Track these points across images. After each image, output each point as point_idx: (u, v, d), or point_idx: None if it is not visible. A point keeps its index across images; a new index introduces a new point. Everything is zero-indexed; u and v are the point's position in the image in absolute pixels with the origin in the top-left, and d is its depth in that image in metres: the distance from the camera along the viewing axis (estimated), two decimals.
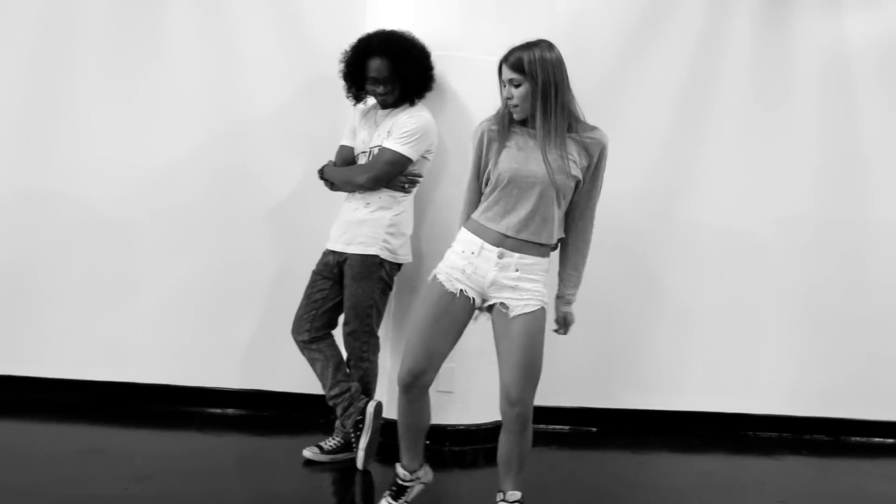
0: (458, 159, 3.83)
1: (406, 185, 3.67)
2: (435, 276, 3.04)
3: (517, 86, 2.92)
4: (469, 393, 3.99)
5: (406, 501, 3.17)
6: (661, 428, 4.42)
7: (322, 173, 3.74)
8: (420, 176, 3.71)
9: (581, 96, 4.16)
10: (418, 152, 3.62)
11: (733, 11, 4.37)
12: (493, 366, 3.98)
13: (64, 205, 4.20)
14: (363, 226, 3.63)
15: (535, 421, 4.20)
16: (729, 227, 4.41)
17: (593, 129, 3.02)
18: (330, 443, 3.74)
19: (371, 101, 3.78)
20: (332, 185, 3.70)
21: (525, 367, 3.02)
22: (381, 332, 3.75)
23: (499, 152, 2.95)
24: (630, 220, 4.33)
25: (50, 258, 4.22)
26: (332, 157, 3.79)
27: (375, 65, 3.58)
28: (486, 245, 2.95)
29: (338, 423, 3.74)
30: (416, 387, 3.06)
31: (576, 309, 4.27)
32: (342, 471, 3.65)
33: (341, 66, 3.67)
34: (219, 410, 4.24)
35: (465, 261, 2.98)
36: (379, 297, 3.66)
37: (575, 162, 2.95)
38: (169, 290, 4.25)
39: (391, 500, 3.14)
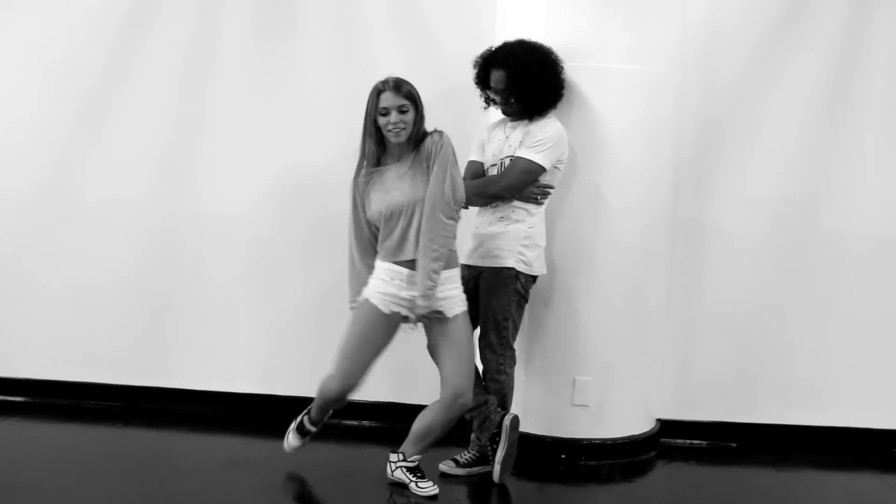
0: (587, 171, 3.81)
1: (538, 197, 3.65)
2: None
3: (403, 112, 3.32)
4: (605, 406, 3.93)
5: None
6: (804, 444, 4.22)
7: None
8: (552, 187, 3.68)
9: (716, 100, 4.12)
10: (551, 161, 3.60)
11: (874, 11, 4.16)
12: (630, 379, 3.97)
13: (207, 223, 4.34)
14: (498, 239, 3.62)
15: (673, 435, 4.15)
16: (876, 233, 4.19)
17: None
18: (466, 456, 3.74)
19: (500, 114, 3.79)
20: (465, 201, 3.70)
21: (467, 361, 3.41)
22: (515, 345, 3.72)
23: None
24: (770, 228, 4.19)
25: (193, 274, 4.37)
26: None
27: (496, 76, 3.63)
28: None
29: (473, 436, 3.74)
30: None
31: (713, 321, 4.21)
32: (478, 484, 3.64)
33: (475, 72, 3.73)
34: (355, 422, 4.29)
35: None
36: (515, 309, 3.64)
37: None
38: (307, 302, 4.33)
39: None
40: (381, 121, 3.32)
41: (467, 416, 3.64)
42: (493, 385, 3.67)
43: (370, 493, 3.47)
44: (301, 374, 4.28)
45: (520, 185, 3.59)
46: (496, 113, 3.80)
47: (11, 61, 4.30)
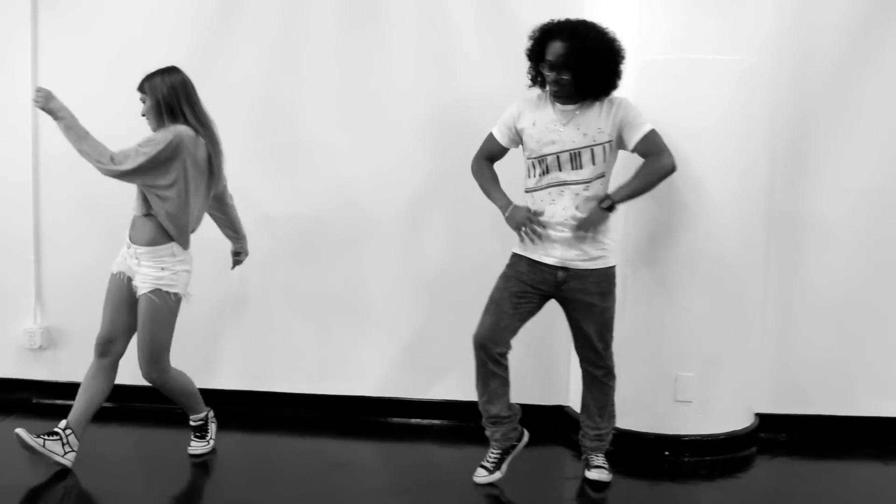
0: (686, 164, 3.68)
1: None
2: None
3: (143, 102, 3.52)
4: (707, 402, 3.88)
5: None
6: None
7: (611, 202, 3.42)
8: None
9: (810, 88, 4.05)
10: None
11: None
12: (731, 374, 3.92)
13: (296, 224, 4.32)
14: (602, 242, 3.48)
15: (772, 429, 4.02)
16: None
17: None
18: (492, 457, 3.61)
19: (531, 101, 3.52)
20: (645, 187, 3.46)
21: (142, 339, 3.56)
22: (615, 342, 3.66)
23: None
24: (868, 219, 4.11)
25: (283, 276, 4.36)
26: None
27: (553, 48, 3.34)
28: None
29: (499, 433, 3.61)
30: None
31: (811, 313, 4.14)
32: (593, 484, 3.62)
33: (527, 46, 3.47)
34: (447, 422, 4.28)
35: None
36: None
37: None
38: (399, 303, 4.32)
39: None
40: None
41: (494, 423, 3.57)
42: (608, 389, 3.61)
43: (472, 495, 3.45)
44: (391, 375, 4.33)
45: None
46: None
47: (98, 68, 4.30)
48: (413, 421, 4.31)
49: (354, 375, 4.37)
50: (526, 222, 3.43)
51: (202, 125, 3.54)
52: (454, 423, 4.25)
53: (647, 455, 3.88)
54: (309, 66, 4.27)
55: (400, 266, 4.32)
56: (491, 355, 3.44)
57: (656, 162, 3.44)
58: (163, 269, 3.53)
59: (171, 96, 3.49)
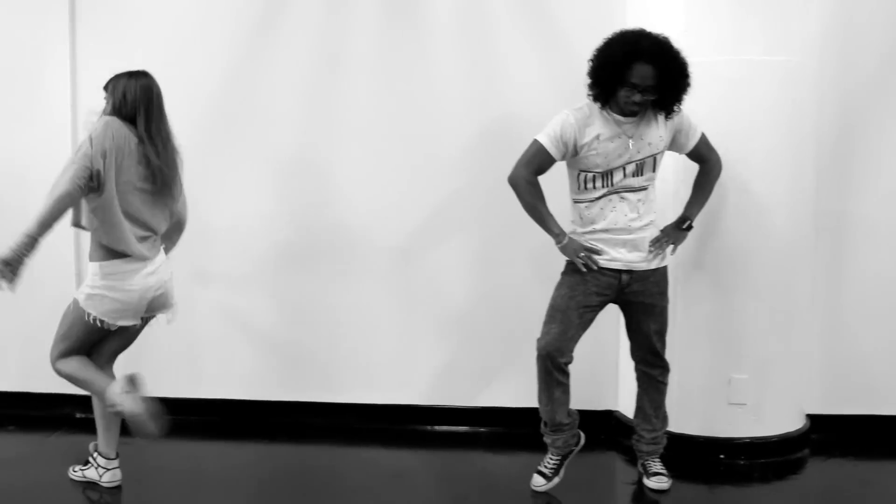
0: (735, 166, 3.72)
1: None
2: None
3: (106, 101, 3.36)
4: (762, 404, 3.87)
5: None
6: None
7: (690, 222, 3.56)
8: None
9: (855, 88, 4.05)
10: None
11: None
12: (783, 375, 3.91)
13: (341, 233, 4.30)
14: (648, 237, 3.49)
15: (822, 430, 4.05)
16: None
17: None
18: (551, 463, 3.60)
19: (586, 113, 3.41)
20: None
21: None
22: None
23: None
24: None
25: (328, 285, 4.33)
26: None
27: (642, 71, 3.25)
28: None
29: (560, 443, 3.60)
30: None
31: (859, 312, 4.12)
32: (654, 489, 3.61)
33: (597, 63, 3.33)
34: (497, 429, 4.26)
35: None
36: None
37: None
38: (445, 311, 4.31)
39: None
40: None
41: (556, 431, 3.56)
42: (663, 387, 3.62)
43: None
44: (439, 383, 4.30)
45: None
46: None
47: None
48: (460, 429, 4.29)
49: (400, 384, 4.35)
50: (583, 251, 3.43)
51: (150, 138, 3.31)
52: (504, 429, 4.23)
53: (700, 459, 3.86)
54: (349, 69, 4.24)
55: (444, 275, 4.30)
56: (557, 365, 3.43)
57: (714, 167, 3.54)
58: (87, 284, 3.36)
59: (132, 102, 3.31)
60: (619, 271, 3.45)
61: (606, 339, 4.14)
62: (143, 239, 3.35)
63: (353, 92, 4.25)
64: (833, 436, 4.12)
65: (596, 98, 3.38)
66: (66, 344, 3.39)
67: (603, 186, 3.41)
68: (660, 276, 3.51)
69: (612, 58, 3.30)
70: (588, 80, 3.36)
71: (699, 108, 3.68)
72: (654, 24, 3.76)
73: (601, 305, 3.51)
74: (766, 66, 3.76)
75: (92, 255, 3.34)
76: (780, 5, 3.76)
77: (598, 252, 3.42)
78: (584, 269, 3.41)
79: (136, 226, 3.32)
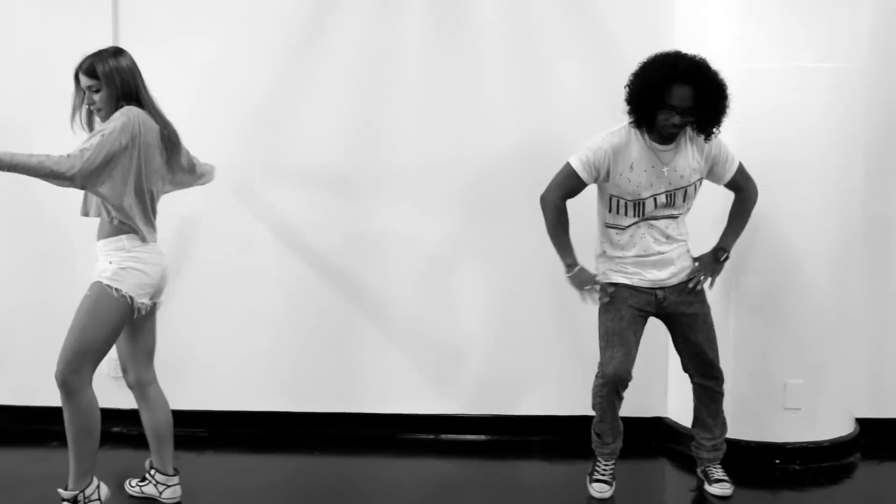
0: (789, 172, 3.78)
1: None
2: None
3: (96, 91, 3.17)
4: (816, 409, 3.89)
5: None
6: None
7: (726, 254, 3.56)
8: None
9: None
10: None
11: None
12: (836, 380, 3.92)
13: (390, 242, 4.27)
14: (683, 256, 3.54)
15: (870, 434, 4.06)
16: None
17: None
18: (608, 468, 3.63)
19: (621, 139, 3.40)
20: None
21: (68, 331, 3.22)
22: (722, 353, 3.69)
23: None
24: None
25: (376, 294, 4.31)
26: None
27: (681, 92, 3.23)
28: None
29: (608, 451, 3.64)
30: None
31: None
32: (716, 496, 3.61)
33: (635, 88, 3.32)
34: (547, 437, 4.25)
35: None
36: None
37: None
38: (490, 319, 4.29)
39: None
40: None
41: (602, 443, 3.61)
42: (721, 398, 3.64)
43: None
44: (488, 393, 4.29)
45: None
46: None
47: (189, 85, 4.21)
48: (506, 438, 4.27)
49: (444, 393, 4.33)
50: (591, 284, 3.48)
51: (155, 111, 3.25)
52: (553, 437, 4.22)
53: (756, 464, 3.87)
54: (398, 76, 4.22)
55: (489, 281, 4.28)
56: (624, 386, 3.47)
57: (751, 196, 3.56)
58: (110, 262, 3.20)
59: (130, 82, 3.19)
60: (654, 289, 3.49)
61: (654, 346, 4.11)
62: (154, 217, 3.32)
63: (400, 98, 4.22)
64: (881, 440, 4.14)
65: (636, 124, 3.37)
66: (82, 347, 3.17)
67: (635, 215, 3.45)
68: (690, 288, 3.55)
69: (650, 81, 3.28)
70: (626, 106, 3.36)
71: (754, 115, 3.74)
72: (706, 30, 3.81)
73: (645, 320, 3.55)
74: (817, 73, 3.79)
75: (108, 233, 3.21)
76: (829, 13, 3.79)
77: (605, 289, 3.47)
78: (583, 301, 3.52)
79: (151, 205, 3.29)
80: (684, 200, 3.47)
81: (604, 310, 3.51)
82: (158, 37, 4.22)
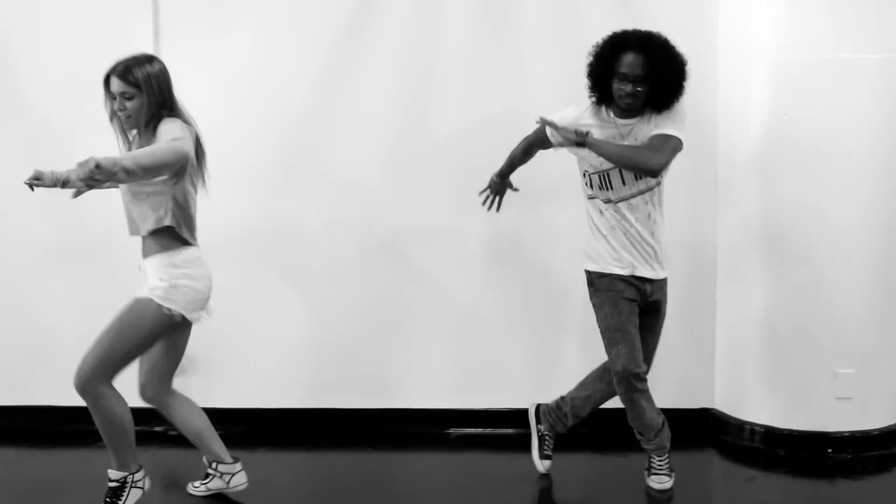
0: (840, 163, 3.78)
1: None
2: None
3: (129, 98, 3.07)
4: (868, 398, 3.92)
5: None
6: None
7: (584, 136, 3.27)
8: None
9: None
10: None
11: None
12: (886, 369, 3.95)
13: (435, 239, 4.27)
14: (661, 246, 3.54)
15: None
16: None
17: None
18: (665, 464, 3.64)
19: (592, 112, 3.47)
20: (580, 145, 3.29)
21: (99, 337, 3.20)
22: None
23: None
24: None
25: (423, 291, 4.31)
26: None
27: (630, 59, 3.27)
28: None
29: (656, 445, 3.63)
30: None
31: None
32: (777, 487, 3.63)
33: (589, 61, 3.40)
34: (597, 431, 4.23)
35: None
36: None
37: None
38: (534, 311, 4.30)
39: None
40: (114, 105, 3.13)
41: (645, 438, 3.62)
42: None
43: None
44: (531, 387, 4.29)
45: (668, 166, 3.35)
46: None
47: (227, 87, 4.21)
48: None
49: (496, 388, 4.33)
50: (494, 188, 3.78)
51: (187, 114, 3.21)
52: (606, 430, 4.15)
53: (808, 453, 3.89)
54: (440, 76, 4.23)
55: (531, 274, 4.29)
56: (638, 378, 3.46)
57: (645, 151, 3.31)
58: (160, 279, 3.14)
59: (165, 89, 3.14)
60: (644, 280, 3.50)
61: (701, 336, 4.17)
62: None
63: (445, 98, 4.22)
64: None
65: (596, 99, 3.43)
66: (111, 361, 3.13)
67: (601, 189, 3.47)
68: (663, 284, 3.60)
69: (601, 51, 3.38)
70: (587, 83, 3.42)
71: (803, 106, 3.76)
72: (750, 21, 3.84)
73: (639, 311, 3.55)
74: (865, 64, 3.80)
75: (157, 249, 3.16)
76: (876, 4, 3.80)
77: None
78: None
79: (194, 210, 3.27)
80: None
81: (599, 306, 3.53)
82: (198, 36, 4.21)
